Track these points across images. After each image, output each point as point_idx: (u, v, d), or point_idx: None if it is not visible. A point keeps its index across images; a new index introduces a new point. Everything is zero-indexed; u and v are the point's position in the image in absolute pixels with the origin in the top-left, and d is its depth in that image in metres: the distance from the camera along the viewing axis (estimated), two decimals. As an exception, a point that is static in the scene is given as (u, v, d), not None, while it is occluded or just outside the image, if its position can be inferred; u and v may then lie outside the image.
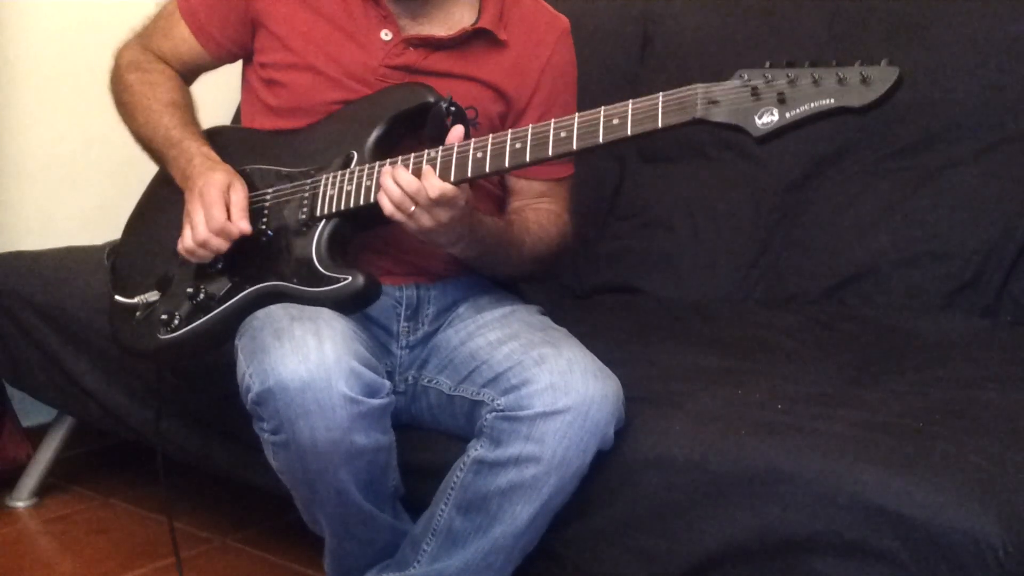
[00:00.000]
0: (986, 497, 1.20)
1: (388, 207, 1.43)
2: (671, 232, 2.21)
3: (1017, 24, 1.98)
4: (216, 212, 1.49)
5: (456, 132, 1.44)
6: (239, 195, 1.52)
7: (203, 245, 1.51)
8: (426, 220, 1.42)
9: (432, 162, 1.43)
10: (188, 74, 1.73)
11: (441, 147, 1.44)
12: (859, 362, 1.70)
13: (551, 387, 1.40)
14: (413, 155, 1.45)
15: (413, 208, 1.41)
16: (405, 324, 1.62)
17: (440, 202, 1.40)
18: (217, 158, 1.58)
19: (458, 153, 1.42)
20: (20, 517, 2.20)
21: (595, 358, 1.46)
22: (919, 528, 1.20)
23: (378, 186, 1.45)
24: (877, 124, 1.98)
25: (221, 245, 1.51)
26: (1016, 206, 1.91)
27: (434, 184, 1.40)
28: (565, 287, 2.25)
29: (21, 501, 2.24)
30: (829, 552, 1.27)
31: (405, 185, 1.41)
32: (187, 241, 1.52)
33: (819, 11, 2.18)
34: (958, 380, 1.58)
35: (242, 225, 1.50)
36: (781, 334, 1.84)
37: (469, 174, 1.41)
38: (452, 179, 1.41)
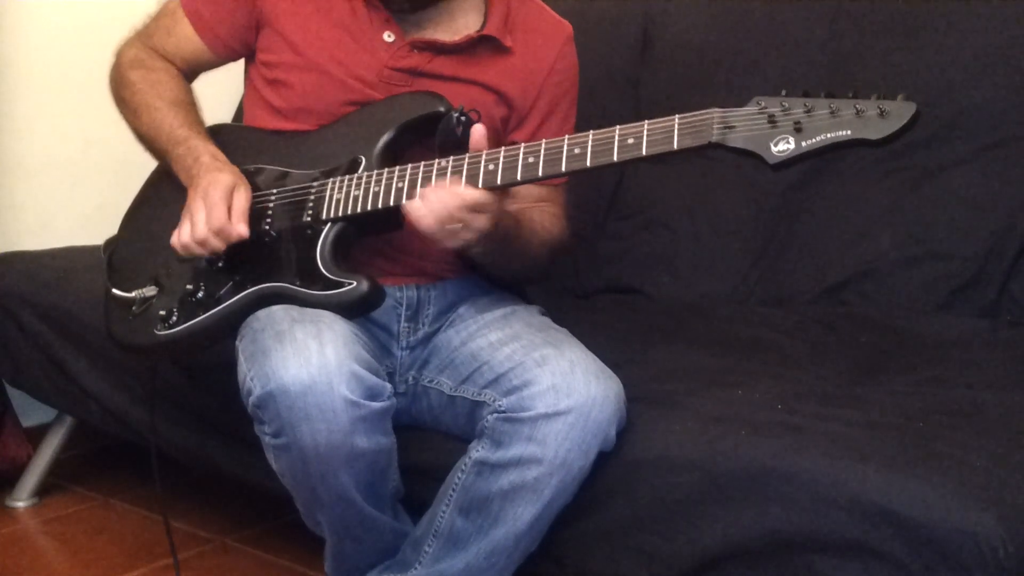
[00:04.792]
0: (986, 497, 1.20)
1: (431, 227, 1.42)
2: (671, 232, 2.21)
3: (1017, 25, 1.99)
4: (218, 212, 1.49)
5: (478, 134, 1.44)
6: (241, 199, 1.51)
7: (201, 243, 1.50)
8: (467, 234, 1.41)
9: (443, 171, 1.43)
10: (190, 72, 1.73)
11: (452, 157, 1.44)
12: (859, 362, 1.70)
13: (553, 388, 1.40)
14: (423, 163, 1.45)
15: (459, 227, 1.40)
16: (406, 324, 1.62)
17: (477, 209, 1.40)
18: (225, 159, 1.58)
19: (469, 164, 1.42)
20: (20, 517, 2.20)
21: (596, 359, 1.46)
22: (919, 528, 1.20)
23: (387, 193, 1.46)
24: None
25: (218, 245, 1.50)
26: (1016, 206, 1.91)
27: (466, 194, 1.39)
28: (565, 287, 2.25)
29: (21, 501, 2.24)
30: (829, 552, 1.27)
31: (443, 205, 1.39)
32: (184, 236, 1.51)
33: (819, 11, 2.18)
34: (958, 380, 1.58)
35: (240, 229, 1.49)
36: (781, 334, 1.85)
37: (479, 186, 1.41)
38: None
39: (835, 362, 1.70)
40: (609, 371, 1.45)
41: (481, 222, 1.41)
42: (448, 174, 1.42)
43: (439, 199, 1.40)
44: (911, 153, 2.02)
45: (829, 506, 1.26)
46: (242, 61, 1.73)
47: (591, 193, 2.25)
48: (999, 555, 1.16)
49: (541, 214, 1.64)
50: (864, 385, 1.59)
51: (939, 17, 2.05)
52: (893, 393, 1.54)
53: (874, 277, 1.98)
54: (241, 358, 1.45)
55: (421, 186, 1.44)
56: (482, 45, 1.62)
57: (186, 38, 1.69)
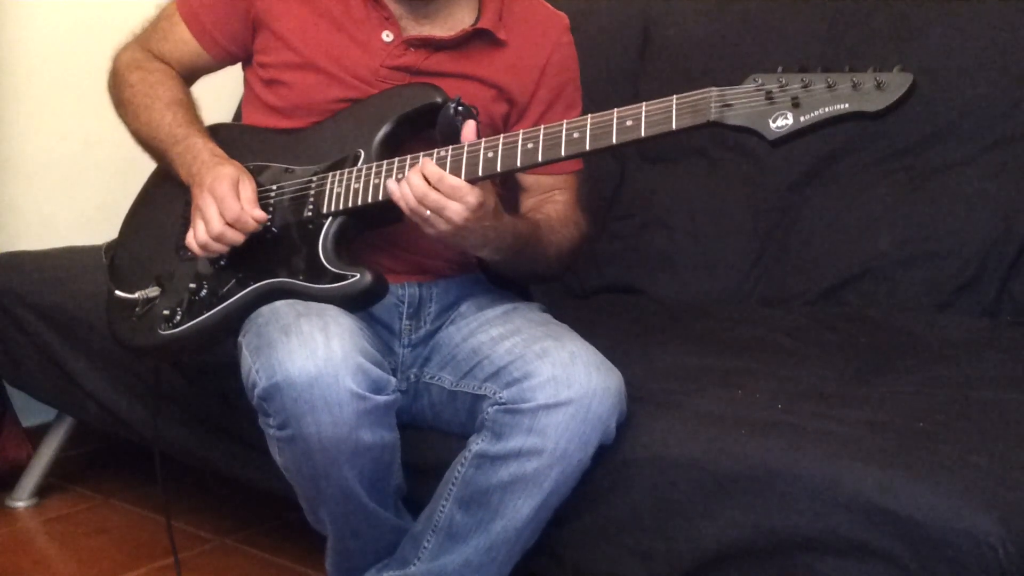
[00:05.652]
0: (986, 497, 1.20)
1: (406, 210, 1.43)
2: (671, 232, 2.21)
3: (1017, 24, 1.99)
4: (230, 203, 1.49)
5: (469, 128, 1.44)
6: (248, 189, 1.51)
7: (218, 238, 1.50)
8: (441, 224, 1.41)
9: (442, 161, 1.43)
10: (188, 76, 1.73)
11: (452, 146, 1.44)
12: (859, 362, 1.70)
13: (553, 379, 1.40)
14: (422, 154, 1.45)
15: (428, 213, 1.40)
16: (407, 322, 1.62)
17: (451, 195, 1.39)
18: (224, 154, 1.58)
19: (468, 152, 1.42)
20: (20, 517, 2.20)
21: (597, 351, 1.46)
22: (919, 528, 1.20)
23: (386, 188, 1.46)
24: (877, 124, 1.98)
25: (236, 237, 1.50)
26: (1016, 206, 1.91)
27: (444, 179, 1.39)
28: (565, 287, 2.25)
29: (21, 501, 2.24)
30: (829, 552, 1.27)
31: (414, 188, 1.41)
32: (200, 235, 1.51)
33: (819, 11, 2.18)
34: (958, 380, 1.58)
35: (256, 214, 1.50)
36: (781, 334, 1.85)
37: (480, 173, 1.41)
38: (462, 179, 1.41)
39: (835, 362, 1.70)
40: (609, 364, 1.45)
41: (455, 211, 1.39)
42: (447, 164, 1.42)
43: (416, 182, 1.40)
44: (911, 153, 2.02)
45: (829, 506, 1.26)
46: (239, 65, 1.73)
47: (591, 193, 2.25)
48: (999, 555, 1.16)
49: (555, 207, 1.64)
50: (864, 385, 1.59)
51: (939, 17, 2.05)
52: (893, 393, 1.54)
53: (874, 277, 1.98)
54: (245, 352, 1.45)
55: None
56: (477, 39, 1.62)
57: (183, 41, 1.69)
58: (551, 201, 1.65)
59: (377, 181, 1.48)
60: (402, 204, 1.42)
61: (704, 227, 2.18)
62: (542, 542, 1.48)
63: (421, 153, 1.45)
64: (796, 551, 1.30)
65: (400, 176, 1.45)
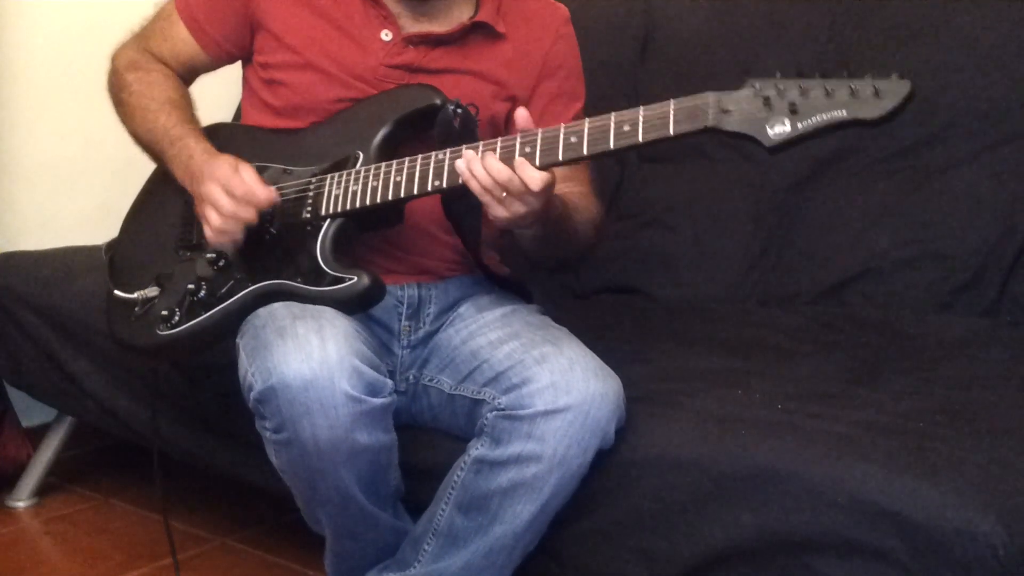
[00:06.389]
0: (986, 497, 1.20)
1: (476, 188, 1.39)
2: (671, 232, 2.21)
3: (1016, 25, 1.99)
4: (236, 182, 1.48)
5: (522, 115, 1.41)
6: (248, 170, 1.51)
7: (233, 216, 1.49)
8: (519, 207, 1.38)
9: (440, 164, 1.43)
10: (187, 75, 1.73)
11: (450, 149, 1.44)
12: (859, 362, 1.70)
13: (552, 386, 1.40)
14: (420, 156, 1.45)
15: (504, 195, 1.38)
16: (406, 323, 1.62)
17: (540, 193, 1.37)
18: (217, 152, 1.57)
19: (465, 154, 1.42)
20: (20, 517, 2.20)
21: (596, 357, 1.46)
22: (919, 528, 1.20)
23: (386, 187, 1.46)
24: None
25: (249, 214, 1.49)
26: (1016, 206, 1.91)
27: (533, 176, 1.36)
28: (565, 287, 2.25)
29: (21, 501, 2.24)
30: (829, 552, 1.27)
31: (496, 174, 1.37)
32: (214, 222, 1.50)
33: (819, 11, 2.18)
34: (958, 380, 1.58)
35: (266, 189, 1.49)
36: (781, 334, 1.85)
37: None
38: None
39: (835, 362, 1.70)
40: (608, 369, 1.45)
41: (534, 202, 1.38)
42: (444, 165, 1.41)
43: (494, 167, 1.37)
44: (911, 153, 2.02)
45: (829, 506, 1.26)
46: (239, 63, 1.73)
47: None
48: (999, 555, 1.16)
49: (571, 196, 1.62)
50: (864, 385, 1.59)
51: (939, 17, 2.05)
52: (893, 393, 1.54)
53: (874, 277, 1.99)
54: (242, 354, 1.45)
55: (420, 180, 1.45)
56: (476, 33, 1.62)
57: (181, 41, 1.69)
58: (564, 192, 1.63)
59: (376, 183, 1.48)
60: (473, 184, 1.39)
61: (704, 227, 2.18)
62: (543, 544, 1.48)
63: (419, 156, 1.45)
64: (796, 551, 1.30)
65: (399, 179, 1.45)
